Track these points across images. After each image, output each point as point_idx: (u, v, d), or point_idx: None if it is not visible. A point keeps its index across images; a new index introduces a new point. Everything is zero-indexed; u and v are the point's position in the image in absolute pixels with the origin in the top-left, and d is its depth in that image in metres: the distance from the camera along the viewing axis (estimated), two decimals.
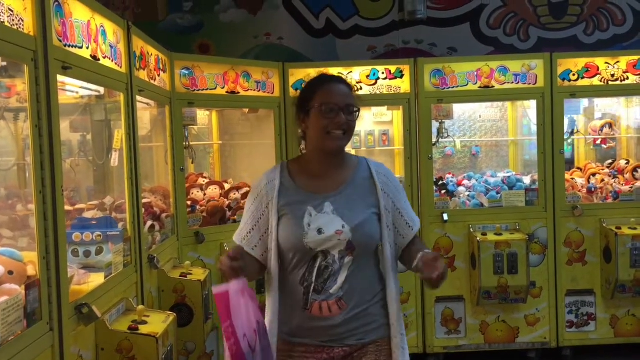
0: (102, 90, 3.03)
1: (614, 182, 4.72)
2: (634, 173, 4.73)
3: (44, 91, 2.06)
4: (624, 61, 4.50)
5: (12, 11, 1.90)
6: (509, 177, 4.81)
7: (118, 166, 3.08)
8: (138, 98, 3.18)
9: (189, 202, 4.14)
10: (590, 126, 5.09)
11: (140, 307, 2.72)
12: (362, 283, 2.02)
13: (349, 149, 2.18)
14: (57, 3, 2.20)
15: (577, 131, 4.83)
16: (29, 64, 2.02)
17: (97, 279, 2.58)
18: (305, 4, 5.95)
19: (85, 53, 2.48)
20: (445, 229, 4.49)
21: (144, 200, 3.32)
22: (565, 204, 4.48)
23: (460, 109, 5.07)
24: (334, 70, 4.39)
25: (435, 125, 4.59)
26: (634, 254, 4.23)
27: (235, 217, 4.27)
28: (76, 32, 2.38)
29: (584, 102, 4.98)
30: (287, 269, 2.03)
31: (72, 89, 2.86)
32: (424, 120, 4.51)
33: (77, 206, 3.14)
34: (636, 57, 4.50)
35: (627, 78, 4.49)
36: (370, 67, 4.60)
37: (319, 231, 1.97)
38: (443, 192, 4.65)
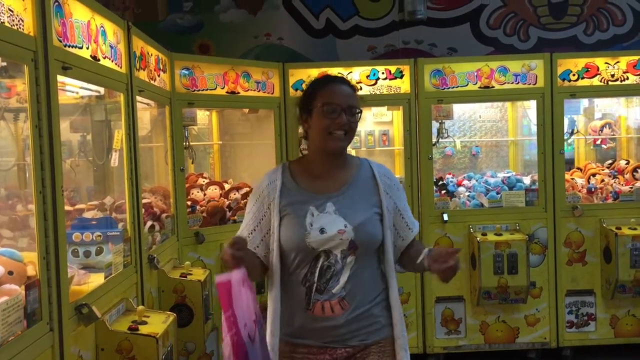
0: (102, 90, 3.03)
1: (614, 182, 4.72)
2: (634, 173, 4.73)
3: (44, 91, 2.06)
4: (624, 61, 4.50)
5: (12, 11, 1.90)
6: (509, 177, 4.81)
7: (118, 166, 3.08)
8: (138, 98, 3.18)
9: (189, 202, 4.14)
10: (590, 126, 5.09)
11: (140, 307, 2.72)
12: (364, 283, 2.02)
13: (348, 149, 2.17)
14: (57, 3, 2.20)
15: (577, 131, 4.83)
16: (29, 64, 2.02)
17: (97, 279, 2.58)
18: (305, 4, 5.95)
19: (85, 53, 2.48)
20: (445, 229, 4.49)
21: (144, 201, 3.32)
22: (565, 204, 4.48)
23: (460, 109, 5.07)
24: (334, 71, 4.38)
25: (435, 125, 4.58)
26: (634, 254, 4.23)
27: (235, 217, 4.27)
28: (76, 33, 2.38)
29: (584, 102, 4.98)
30: (288, 269, 2.03)
31: (72, 89, 2.86)
32: (424, 121, 4.51)
33: (77, 206, 3.14)
34: (636, 57, 4.50)
35: (627, 78, 4.49)
36: (370, 68, 4.60)
37: (321, 231, 1.97)
38: (443, 192, 4.66)
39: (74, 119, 3.18)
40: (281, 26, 5.96)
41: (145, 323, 2.60)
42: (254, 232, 2.07)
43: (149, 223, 3.41)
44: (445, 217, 4.44)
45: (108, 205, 3.21)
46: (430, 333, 4.53)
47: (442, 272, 1.95)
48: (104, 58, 2.69)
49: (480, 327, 4.53)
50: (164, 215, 3.70)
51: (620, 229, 4.32)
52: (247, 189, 4.57)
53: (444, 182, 4.82)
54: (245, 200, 4.42)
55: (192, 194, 4.38)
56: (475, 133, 5.25)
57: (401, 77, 4.56)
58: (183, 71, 4.04)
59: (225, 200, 4.44)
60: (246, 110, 4.78)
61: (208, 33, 5.92)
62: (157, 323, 2.64)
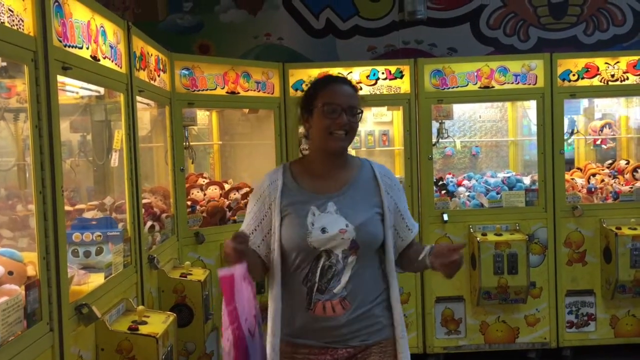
0: (102, 90, 3.03)
1: (614, 182, 4.72)
2: (634, 173, 4.73)
3: (44, 91, 2.06)
4: (624, 61, 4.50)
5: (12, 11, 1.90)
6: (508, 177, 4.81)
7: (118, 166, 3.08)
8: (138, 98, 3.18)
9: (189, 203, 4.14)
10: (590, 126, 5.09)
11: (140, 307, 2.72)
12: (365, 283, 2.02)
13: (348, 149, 2.17)
14: (57, 3, 2.20)
15: (577, 131, 4.83)
16: (29, 65, 2.02)
17: (97, 279, 2.58)
18: (305, 4, 5.95)
19: (85, 53, 2.48)
20: (445, 229, 4.49)
21: (144, 201, 3.32)
22: (565, 204, 4.48)
23: (460, 109, 5.07)
24: (334, 71, 4.37)
25: (435, 125, 4.58)
26: (634, 254, 4.23)
27: (235, 217, 4.27)
28: (76, 33, 2.38)
29: (584, 102, 4.98)
30: (289, 269, 2.03)
31: (72, 90, 2.86)
32: (424, 121, 4.51)
33: (77, 206, 3.14)
34: (636, 58, 4.50)
35: (627, 78, 4.49)
36: (370, 68, 4.60)
37: (323, 230, 1.97)
38: (443, 192, 4.66)
39: (74, 119, 3.18)
40: (281, 26, 5.96)
41: (145, 323, 2.60)
42: (255, 232, 2.07)
43: (149, 223, 3.41)
44: (445, 217, 4.44)
45: (108, 206, 3.21)
46: (430, 333, 4.54)
47: (446, 267, 1.95)
48: (104, 58, 2.69)
49: (480, 327, 4.53)
50: (164, 215, 3.70)
51: (620, 229, 4.32)
52: (247, 189, 4.57)
53: (444, 182, 4.82)
54: (245, 201, 4.42)
55: (192, 194, 4.38)
56: (475, 133, 5.25)
57: (401, 77, 4.56)
58: (183, 71, 4.04)
59: (225, 200, 4.44)
60: (246, 111, 4.78)
61: (208, 33, 5.93)
62: (157, 323, 2.64)
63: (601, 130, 5.00)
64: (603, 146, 5.14)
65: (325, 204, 2.02)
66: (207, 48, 5.90)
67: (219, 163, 5.09)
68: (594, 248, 4.49)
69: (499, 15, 5.95)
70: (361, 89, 4.54)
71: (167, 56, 3.90)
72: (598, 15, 5.92)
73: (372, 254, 2.06)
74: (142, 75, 3.29)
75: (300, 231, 1.98)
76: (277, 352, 2.00)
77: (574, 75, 4.50)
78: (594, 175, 4.82)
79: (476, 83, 4.51)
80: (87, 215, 3.03)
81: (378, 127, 5.17)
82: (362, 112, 2.09)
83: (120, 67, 2.92)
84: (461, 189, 4.79)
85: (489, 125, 5.26)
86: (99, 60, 2.62)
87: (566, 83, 4.50)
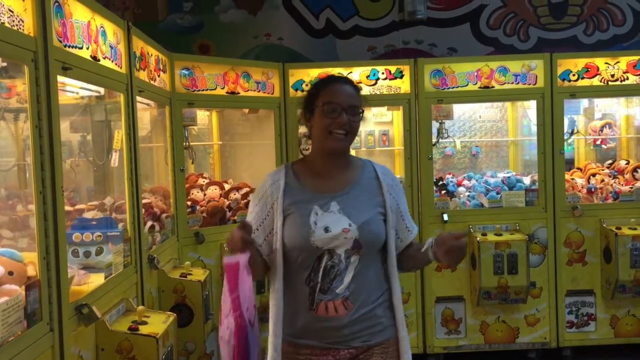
0: (102, 90, 3.03)
1: (614, 182, 4.72)
2: (634, 173, 4.73)
3: (44, 92, 2.06)
4: (624, 61, 4.50)
5: (12, 12, 1.90)
6: (509, 177, 4.81)
7: (118, 166, 3.09)
8: (138, 98, 3.18)
9: (189, 203, 4.14)
10: (590, 126, 5.09)
11: (140, 307, 2.73)
12: (368, 283, 2.02)
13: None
14: (57, 4, 2.20)
15: (577, 131, 4.83)
16: (29, 65, 2.02)
17: (97, 280, 2.58)
18: (305, 4, 5.95)
19: (86, 54, 2.48)
20: (445, 229, 4.48)
21: (144, 201, 3.32)
22: (565, 204, 4.48)
23: (460, 109, 5.07)
24: (334, 71, 4.38)
25: (435, 125, 4.59)
26: (634, 254, 4.23)
27: (236, 217, 4.27)
28: (76, 33, 2.38)
29: (584, 102, 4.98)
30: (292, 269, 2.03)
31: (72, 90, 2.86)
32: (424, 121, 4.51)
33: (77, 206, 3.14)
34: (636, 58, 4.50)
35: (627, 78, 4.49)
36: (370, 68, 4.60)
37: (326, 229, 1.97)
38: (443, 192, 4.66)
39: (74, 119, 3.18)
40: (281, 26, 5.96)
41: (145, 323, 2.60)
42: (257, 232, 2.07)
43: (149, 223, 3.41)
44: (445, 217, 4.44)
45: (108, 206, 3.22)
46: (430, 333, 4.54)
47: (450, 254, 1.94)
48: (104, 58, 2.69)
49: (480, 327, 4.53)
50: (164, 215, 3.70)
51: (620, 229, 4.32)
52: (247, 189, 4.57)
53: (444, 182, 4.82)
54: (245, 201, 4.42)
55: (192, 194, 4.38)
56: (475, 133, 5.25)
57: (401, 77, 4.56)
58: (183, 71, 4.04)
59: (225, 200, 4.44)
60: (246, 111, 4.78)
61: (208, 33, 5.92)
62: (157, 323, 2.64)
63: (601, 130, 5.00)
64: (603, 146, 5.14)
65: (328, 204, 2.02)
66: (207, 48, 5.90)
67: (219, 163, 5.09)
68: (594, 248, 4.49)
69: (499, 15, 5.95)
70: (361, 89, 4.52)
71: (167, 56, 3.90)
72: (598, 15, 5.92)
73: (375, 254, 2.06)
74: (142, 75, 3.29)
75: (303, 230, 1.98)
76: (279, 352, 2.00)
77: (574, 75, 4.50)
78: (594, 175, 4.82)
79: (476, 83, 4.51)
80: (87, 215, 3.03)
81: (378, 127, 5.17)
82: (363, 112, 2.08)
83: (120, 67, 2.92)
84: (461, 189, 4.79)
85: (489, 125, 5.26)
86: (99, 60, 2.62)
87: (566, 83, 4.50)
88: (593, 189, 4.62)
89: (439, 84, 4.51)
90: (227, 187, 4.61)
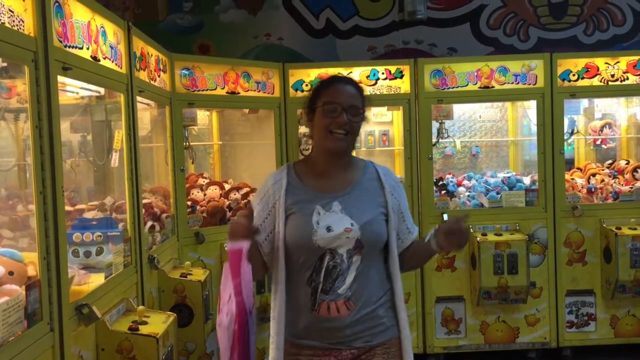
0: (102, 90, 3.03)
1: (614, 182, 4.72)
2: (634, 173, 4.73)
3: (45, 92, 2.07)
4: (624, 61, 4.50)
5: (12, 12, 1.90)
6: (509, 177, 4.81)
7: (118, 166, 3.09)
8: (138, 98, 3.18)
9: (189, 203, 4.14)
10: (590, 126, 5.09)
11: (141, 307, 2.73)
12: (370, 283, 2.02)
13: None
14: (57, 4, 2.20)
15: (577, 131, 4.83)
16: (30, 65, 2.02)
17: (97, 280, 2.58)
18: (305, 4, 5.95)
19: (86, 54, 2.48)
20: None
21: (144, 201, 3.32)
22: (565, 204, 4.48)
23: (460, 109, 5.07)
24: (333, 71, 4.38)
25: (435, 125, 4.59)
26: (634, 254, 4.23)
27: (236, 217, 4.27)
28: (76, 33, 2.38)
29: (584, 102, 4.97)
30: (294, 269, 2.03)
31: (72, 90, 2.86)
32: (424, 121, 4.51)
33: (78, 206, 3.14)
34: (636, 57, 4.50)
35: (627, 78, 4.50)
36: (370, 68, 4.60)
37: (328, 229, 1.97)
38: (443, 192, 4.66)
39: (74, 119, 3.18)
40: (281, 26, 5.96)
41: (145, 323, 2.60)
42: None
43: (149, 223, 3.41)
44: (445, 217, 4.44)
45: (108, 206, 3.22)
46: (431, 333, 4.54)
47: (453, 238, 1.96)
48: (104, 58, 2.69)
49: (481, 327, 4.53)
50: (164, 215, 3.70)
51: (620, 229, 4.32)
52: (247, 189, 4.57)
53: (444, 182, 4.82)
54: (245, 201, 4.42)
55: (192, 194, 4.38)
56: (475, 133, 5.25)
57: (401, 77, 4.56)
58: (183, 71, 4.04)
59: (226, 200, 4.44)
60: (246, 111, 4.78)
61: (208, 33, 5.93)
62: (158, 323, 2.64)
63: (601, 130, 5.00)
64: (603, 146, 5.14)
65: (331, 203, 2.02)
66: (207, 48, 5.91)
67: (219, 163, 5.09)
68: (594, 248, 4.49)
69: (499, 15, 5.95)
70: (364, 89, 4.52)
71: (167, 56, 3.90)
72: (598, 15, 5.92)
73: (377, 254, 2.06)
74: (142, 75, 3.29)
75: (306, 230, 1.98)
76: (281, 351, 2.00)
77: (574, 75, 4.50)
78: (594, 175, 4.82)
79: (476, 83, 4.51)
80: (88, 215, 3.04)
81: (378, 127, 5.17)
82: (364, 112, 2.09)
83: (121, 68, 2.92)
84: (461, 189, 4.79)
85: (489, 125, 5.26)
86: (99, 60, 2.62)
87: (566, 83, 4.50)
88: (593, 189, 4.62)
89: (439, 84, 4.51)
90: (227, 187, 4.61)
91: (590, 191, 4.63)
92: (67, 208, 2.68)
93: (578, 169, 5.11)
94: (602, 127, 5.00)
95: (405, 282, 4.66)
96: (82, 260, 2.75)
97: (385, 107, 4.96)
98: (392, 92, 4.57)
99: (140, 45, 3.26)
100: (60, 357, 2.10)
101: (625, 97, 4.98)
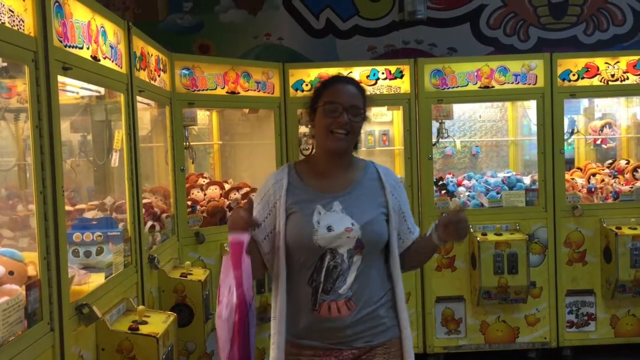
0: (102, 90, 3.03)
1: (614, 182, 4.72)
2: (634, 173, 4.73)
3: (45, 92, 2.07)
4: (624, 61, 4.50)
5: (12, 12, 1.90)
6: (509, 177, 4.81)
7: (118, 166, 3.09)
8: (138, 98, 3.18)
9: (189, 202, 4.14)
10: (590, 126, 5.09)
11: (141, 307, 2.73)
12: (371, 283, 2.02)
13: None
14: (57, 4, 2.20)
15: (577, 131, 4.83)
16: (30, 65, 2.02)
17: (97, 279, 2.58)
18: (305, 4, 5.95)
19: (86, 54, 2.48)
20: None
21: (144, 201, 3.32)
22: (565, 204, 4.48)
23: (460, 109, 5.07)
24: (334, 71, 4.38)
25: (435, 125, 4.59)
26: (634, 254, 4.23)
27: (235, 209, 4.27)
28: (76, 33, 2.38)
29: (584, 102, 4.98)
30: (294, 269, 2.03)
31: (72, 90, 2.86)
32: (424, 121, 4.51)
33: (78, 206, 3.14)
34: (636, 57, 4.50)
35: (627, 78, 4.50)
36: (370, 68, 4.60)
37: (329, 229, 1.98)
38: (443, 192, 4.66)
39: (75, 119, 3.18)
40: (281, 26, 5.96)
41: (145, 323, 2.60)
42: (257, 231, 2.06)
43: (149, 223, 3.41)
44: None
45: (108, 205, 3.22)
46: (431, 333, 4.54)
47: (453, 229, 1.97)
48: (105, 58, 2.69)
49: (481, 327, 4.53)
50: (164, 215, 3.70)
51: (620, 228, 4.32)
52: (247, 189, 4.57)
53: (444, 182, 4.82)
54: (245, 201, 4.42)
55: (193, 194, 4.38)
56: (475, 133, 5.25)
57: (401, 77, 4.56)
58: (183, 71, 4.04)
59: (226, 200, 4.44)
60: (246, 110, 4.78)
61: (208, 33, 5.93)
62: (158, 323, 2.64)
63: (601, 130, 5.00)
64: (603, 146, 5.14)
65: (331, 203, 2.02)
66: (207, 48, 5.91)
67: (219, 163, 5.09)
68: (594, 248, 4.49)
69: (499, 15, 5.95)
70: (366, 89, 4.52)
71: (167, 56, 3.90)
72: (598, 15, 5.92)
73: (377, 254, 2.06)
74: (143, 75, 3.29)
75: (306, 229, 1.99)
76: (282, 350, 2.00)
77: (574, 75, 4.50)
78: (594, 175, 4.82)
79: (476, 83, 4.51)
80: (88, 215, 3.03)
81: (378, 127, 5.17)
82: (365, 112, 2.09)
83: (121, 67, 2.92)
84: (461, 188, 4.79)
85: (489, 125, 5.26)
86: (99, 60, 2.62)
87: (566, 83, 4.50)
88: (593, 189, 4.62)
89: (439, 83, 4.51)
90: (227, 187, 4.61)
91: (590, 191, 4.63)
92: (67, 208, 2.69)
93: (578, 168, 5.11)
94: (602, 127, 5.00)
95: (405, 282, 4.66)
96: (82, 260, 2.75)
97: (385, 107, 4.97)
98: (392, 92, 4.57)
99: (140, 45, 3.26)
100: (61, 357, 2.10)
101: (625, 97, 4.98)
